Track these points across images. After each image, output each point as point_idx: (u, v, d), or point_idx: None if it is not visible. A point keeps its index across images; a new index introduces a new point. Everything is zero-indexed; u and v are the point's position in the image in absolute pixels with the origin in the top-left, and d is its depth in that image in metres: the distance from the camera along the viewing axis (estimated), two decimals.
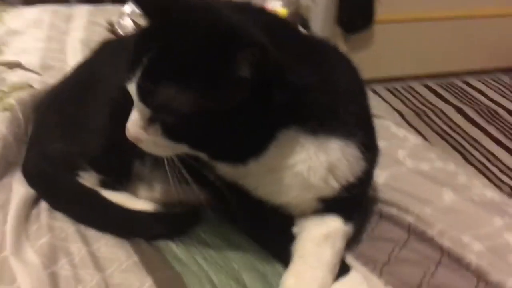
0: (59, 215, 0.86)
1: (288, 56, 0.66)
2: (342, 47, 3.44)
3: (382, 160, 1.00)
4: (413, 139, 1.15)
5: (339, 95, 0.73)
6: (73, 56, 1.39)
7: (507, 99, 2.64)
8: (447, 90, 2.72)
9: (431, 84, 2.77)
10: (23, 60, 1.33)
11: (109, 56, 1.00)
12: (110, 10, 1.72)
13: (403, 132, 1.17)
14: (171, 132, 0.67)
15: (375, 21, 2.57)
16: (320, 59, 0.74)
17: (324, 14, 3.43)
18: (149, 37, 0.67)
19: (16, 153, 0.99)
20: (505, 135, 2.30)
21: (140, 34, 0.69)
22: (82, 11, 1.69)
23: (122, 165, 0.90)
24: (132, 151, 0.78)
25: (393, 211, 0.90)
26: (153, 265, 0.76)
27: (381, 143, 1.07)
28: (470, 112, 2.49)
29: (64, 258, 0.76)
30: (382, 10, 2.52)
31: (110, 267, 0.75)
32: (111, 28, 1.55)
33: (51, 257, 0.75)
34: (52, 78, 1.27)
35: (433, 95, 2.68)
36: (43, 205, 0.89)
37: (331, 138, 0.71)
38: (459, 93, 2.70)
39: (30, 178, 0.93)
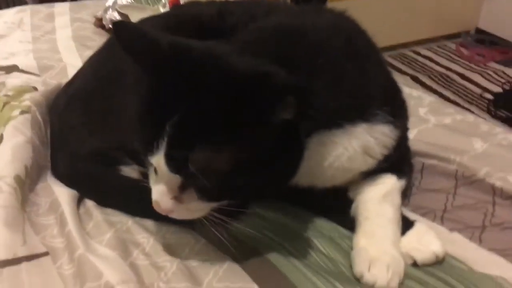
0: (109, 211, 0.84)
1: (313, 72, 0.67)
2: None
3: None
4: (428, 97, 1.19)
5: (356, 80, 0.73)
6: (69, 53, 1.35)
7: (456, 63, 2.74)
8: (399, 61, 2.79)
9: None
10: (18, 63, 1.28)
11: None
12: (89, 5, 1.66)
13: (416, 92, 1.21)
14: (210, 193, 0.63)
15: None
16: (334, 46, 0.74)
17: None
18: (164, 102, 0.61)
19: (44, 156, 0.96)
20: (461, 97, 2.39)
21: (149, 102, 0.64)
22: (62, 9, 1.63)
23: None
24: None
25: (434, 162, 0.93)
26: (223, 245, 0.75)
27: None
28: (425, 79, 2.57)
29: (136, 249, 0.74)
30: None
31: (183, 251, 0.74)
32: (99, 23, 1.51)
33: (123, 249, 0.73)
34: (53, 79, 1.24)
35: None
36: (89, 203, 0.86)
37: (356, 124, 0.73)
38: (412, 62, 2.78)
39: (68, 180, 0.90)
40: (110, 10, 1.51)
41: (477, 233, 0.77)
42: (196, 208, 0.65)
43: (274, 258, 0.72)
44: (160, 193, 0.64)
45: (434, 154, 0.94)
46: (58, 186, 0.89)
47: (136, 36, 0.65)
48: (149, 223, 0.81)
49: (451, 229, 0.78)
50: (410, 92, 1.20)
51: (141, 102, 0.65)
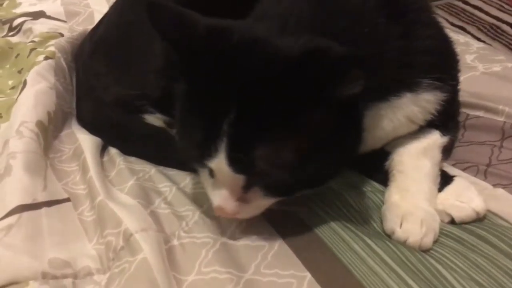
0: (133, 159, 0.83)
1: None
2: None
3: None
4: (476, 43, 1.10)
5: (400, 48, 0.67)
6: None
7: (508, 13, 2.55)
8: (447, 11, 2.61)
9: None
10: (45, 9, 1.26)
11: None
12: None
13: (463, 38, 1.12)
14: (276, 189, 0.59)
15: None
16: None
17: None
18: (214, 99, 0.56)
19: (68, 102, 0.94)
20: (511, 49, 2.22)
21: (195, 103, 0.58)
22: None
23: None
24: None
25: (480, 113, 0.86)
26: None
27: None
28: (474, 30, 2.40)
29: (158, 198, 0.72)
30: None
31: (206, 202, 0.71)
32: None
33: (144, 198, 0.71)
34: (79, 25, 1.21)
35: None
36: (113, 151, 0.84)
37: (401, 95, 0.69)
38: (460, 13, 2.60)
39: (93, 127, 0.89)
40: None
41: None
42: (262, 205, 0.61)
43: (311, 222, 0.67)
44: (223, 198, 0.59)
45: (480, 104, 0.87)
46: (82, 133, 0.87)
47: (171, 20, 0.59)
48: (173, 172, 0.79)
49: (495, 185, 0.72)
50: (457, 38, 1.11)
51: (186, 104, 0.60)
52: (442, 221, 0.66)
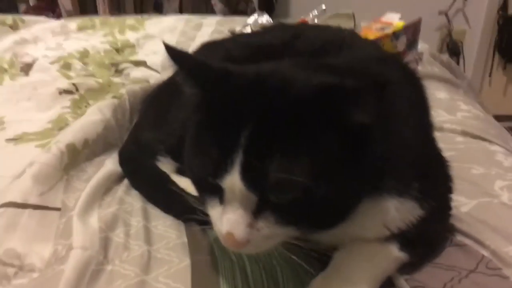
0: (134, 192, 0.94)
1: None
2: (501, 76, 3.24)
3: (472, 188, 0.92)
4: None
5: (402, 147, 0.68)
6: None
7: None
8: None
9: None
10: (149, 61, 1.49)
11: (201, 55, 1.07)
12: (237, 21, 1.83)
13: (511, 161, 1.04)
14: (287, 214, 0.58)
15: None
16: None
17: (480, 39, 3.22)
18: (232, 121, 0.57)
19: (117, 136, 1.12)
20: None
21: (209, 127, 0.61)
22: (211, 21, 1.83)
23: None
24: None
25: (467, 241, 0.80)
26: (197, 248, 0.78)
27: (478, 170, 1.00)
28: None
29: (122, 228, 0.82)
30: None
31: (159, 243, 0.80)
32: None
33: (110, 225, 0.82)
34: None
35: None
36: (125, 182, 0.98)
37: (388, 197, 0.67)
38: None
39: (121, 159, 1.03)
40: (247, 27, 1.65)
41: None
42: (272, 235, 0.59)
43: None
44: (233, 222, 0.57)
45: (472, 234, 0.80)
46: (110, 162, 1.03)
47: (189, 61, 0.66)
48: (156, 212, 0.89)
49: None
50: (501, 160, 1.03)
51: (199, 131, 0.63)
52: None
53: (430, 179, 0.74)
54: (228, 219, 0.58)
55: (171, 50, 0.65)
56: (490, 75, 3.31)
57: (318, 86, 0.58)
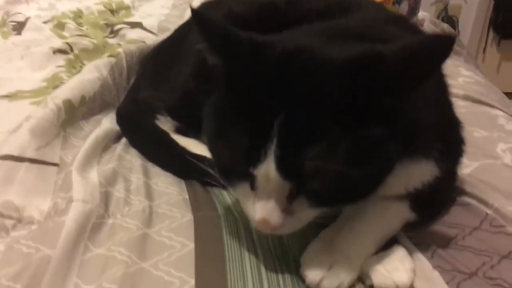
0: (133, 151, 0.93)
1: None
2: (495, 53, 3.23)
3: (475, 150, 0.91)
4: None
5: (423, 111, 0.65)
6: None
7: None
8: None
9: None
10: (145, 23, 1.46)
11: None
12: None
13: None
14: (322, 197, 0.57)
15: None
16: None
17: (476, 15, 3.19)
18: (264, 105, 0.54)
19: (114, 95, 1.09)
20: None
21: (237, 111, 0.57)
22: None
23: (194, 116, 0.92)
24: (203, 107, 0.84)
25: (471, 201, 0.80)
26: (199, 205, 0.77)
27: (480, 133, 0.99)
28: None
29: (122, 183, 0.81)
30: None
31: (160, 199, 0.78)
32: None
33: (110, 180, 0.81)
34: None
35: None
36: (123, 141, 0.96)
37: (414, 158, 0.66)
38: None
39: (119, 117, 1.02)
40: None
41: (459, 280, 0.64)
42: (306, 217, 0.59)
43: None
44: (268, 209, 0.56)
45: (475, 194, 0.80)
46: (107, 121, 1.00)
47: (217, 32, 0.60)
48: (156, 169, 0.88)
49: (435, 267, 0.67)
50: (503, 124, 1.03)
51: (225, 114, 0.59)
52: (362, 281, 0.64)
53: (448, 140, 0.72)
54: (262, 206, 0.57)
55: (197, 16, 0.61)
56: (484, 52, 3.30)
57: (355, 59, 0.54)
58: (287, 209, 0.57)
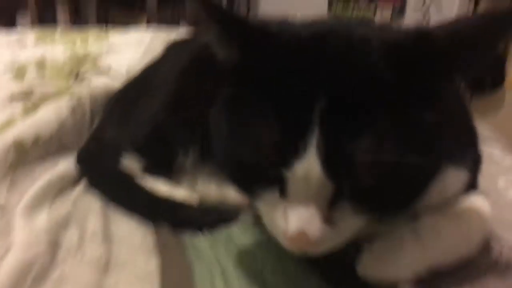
0: (92, 194, 0.81)
1: None
2: None
3: None
4: None
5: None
6: None
7: None
8: None
9: None
10: (113, 69, 1.39)
11: (170, 54, 0.98)
12: None
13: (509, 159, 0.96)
14: (370, 200, 0.47)
15: (508, 84, 2.28)
16: None
17: None
18: (298, 82, 0.46)
19: (74, 140, 0.98)
20: None
21: (260, 103, 0.48)
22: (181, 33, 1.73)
23: (165, 154, 0.84)
24: (175, 141, 0.80)
25: None
26: (167, 250, 0.66)
27: None
28: None
29: (76, 229, 0.69)
30: None
31: (121, 244, 0.67)
32: None
33: (62, 224, 0.69)
34: None
35: None
36: (83, 184, 0.84)
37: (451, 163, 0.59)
38: None
39: (79, 157, 0.91)
40: None
41: None
42: (348, 229, 0.49)
43: None
44: (306, 218, 0.46)
45: None
46: (65, 164, 0.89)
47: (234, 20, 0.52)
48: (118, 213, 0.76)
49: None
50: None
51: (244, 109, 0.50)
52: None
53: (473, 145, 0.67)
54: (299, 216, 0.46)
55: (209, 5, 0.51)
56: None
57: (403, 38, 0.48)
58: (328, 219, 0.47)
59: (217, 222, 0.74)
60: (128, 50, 1.58)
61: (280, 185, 0.48)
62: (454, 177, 0.60)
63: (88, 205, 0.77)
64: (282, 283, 0.59)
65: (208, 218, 0.75)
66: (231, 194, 0.80)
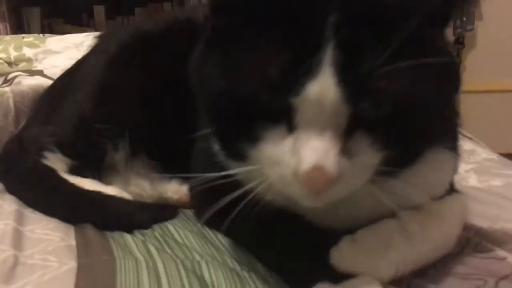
0: (8, 197, 0.73)
1: None
2: None
3: None
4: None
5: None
6: None
7: None
8: None
9: None
10: (48, 71, 1.28)
11: (97, 45, 0.90)
12: None
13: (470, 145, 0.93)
14: (380, 134, 0.42)
15: (462, 91, 2.32)
16: None
17: None
18: (306, 8, 0.40)
19: None
20: None
21: (262, 25, 0.42)
22: None
23: (92, 150, 0.76)
24: (103, 136, 0.74)
25: None
26: (88, 251, 0.57)
27: None
28: None
29: None
30: (469, 79, 2.24)
31: (34, 247, 0.58)
32: None
33: None
34: None
35: None
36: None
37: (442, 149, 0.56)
38: None
39: None
40: None
41: None
42: (367, 163, 0.43)
43: None
44: (322, 151, 0.40)
45: None
46: None
47: None
48: (36, 215, 0.68)
49: None
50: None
51: (243, 34, 0.43)
52: None
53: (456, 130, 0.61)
54: (313, 148, 0.40)
55: None
56: None
57: None
58: (344, 151, 0.40)
59: (152, 219, 0.67)
60: (68, 52, 1.48)
61: (287, 119, 0.41)
62: (445, 161, 0.56)
63: (1, 208, 0.67)
64: (219, 276, 0.51)
65: (143, 214, 0.67)
66: (168, 191, 0.73)
